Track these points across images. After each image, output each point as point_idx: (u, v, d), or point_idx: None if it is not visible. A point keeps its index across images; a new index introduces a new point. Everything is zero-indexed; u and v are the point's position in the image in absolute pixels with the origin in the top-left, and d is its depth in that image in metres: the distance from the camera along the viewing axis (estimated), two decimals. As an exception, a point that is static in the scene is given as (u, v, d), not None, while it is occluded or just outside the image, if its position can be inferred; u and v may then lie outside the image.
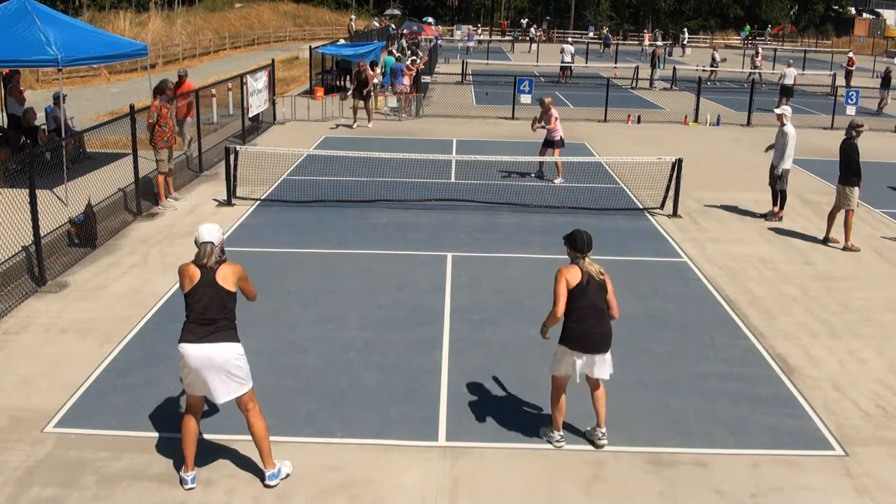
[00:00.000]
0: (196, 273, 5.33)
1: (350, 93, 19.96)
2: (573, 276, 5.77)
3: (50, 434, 6.15)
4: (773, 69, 36.69)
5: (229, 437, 6.13)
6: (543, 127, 14.79)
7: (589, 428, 6.27)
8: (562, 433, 6.15)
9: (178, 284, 9.15)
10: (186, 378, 5.40)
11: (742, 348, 8.03)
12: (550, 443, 6.16)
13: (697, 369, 7.51)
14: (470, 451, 6.08)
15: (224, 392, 5.36)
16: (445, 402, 6.76)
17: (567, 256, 5.96)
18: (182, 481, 5.58)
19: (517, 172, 15.37)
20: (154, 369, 7.20)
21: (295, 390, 6.88)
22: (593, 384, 6.08)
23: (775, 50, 48.16)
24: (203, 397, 5.52)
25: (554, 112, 14.60)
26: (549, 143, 14.77)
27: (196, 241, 5.43)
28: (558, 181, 14.75)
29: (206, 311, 5.29)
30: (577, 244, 5.84)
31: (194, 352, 5.26)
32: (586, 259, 5.84)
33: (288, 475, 5.72)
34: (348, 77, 29.39)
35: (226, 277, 5.35)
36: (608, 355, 5.91)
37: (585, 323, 5.78)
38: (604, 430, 6.15)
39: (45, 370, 7.16)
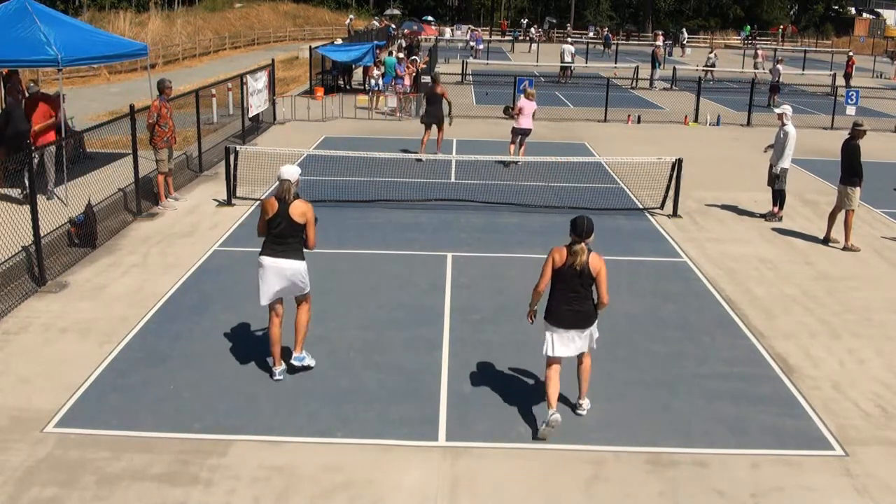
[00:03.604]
0: (275, 205, 6.73)
1: (422, 117, 16.79)
2: (560, 256, 6.17)
3: (50, 434, 6.15)
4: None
5: (230, 437, 6.14)
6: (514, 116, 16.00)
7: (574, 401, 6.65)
8: (553, 409, 6.18)
9: (178, 285, 9.24)
10: (263, 286, 6.80)
11: (742, 348, 8.03)
12: (547, 423, 6.17)
13: (698, 369, 7.52)
14: (470, 451, 6.08)
15: (290, 292, 6.92)
16: (445, 402, 6.76)
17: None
18: (272, 374, 7.02)
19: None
20: (154, 369, 7.21)
21: (295, 390, 6.89)
22: (579, 358, 6.47)
23: (775, 50, 48.15)
24: (281, 302, 6.95)
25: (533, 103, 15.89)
26: (525, 133, 15.78)
27: (278, 178, 6.79)
28: (519, 160, 15.69)
29: (281, 235, 6.75)
30: (574, 228, 6.15)
31: (269, 263, 6.77)
32: (582, 244, 6.09)
33: (309, 367, 7.10)
34: (349, 76, 29.42)
35: (296, 213, 6.72)
36: (588, 331, 6.28)
37: (556, 301, 6.21)
38: (584, 401, 6.60)
39: (45, 370, 7.16)
